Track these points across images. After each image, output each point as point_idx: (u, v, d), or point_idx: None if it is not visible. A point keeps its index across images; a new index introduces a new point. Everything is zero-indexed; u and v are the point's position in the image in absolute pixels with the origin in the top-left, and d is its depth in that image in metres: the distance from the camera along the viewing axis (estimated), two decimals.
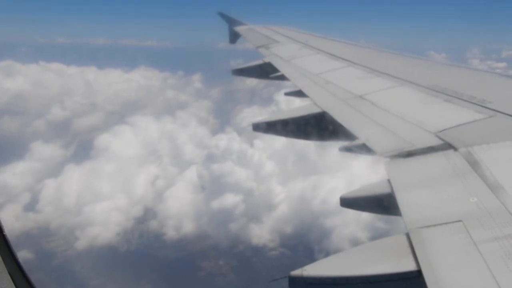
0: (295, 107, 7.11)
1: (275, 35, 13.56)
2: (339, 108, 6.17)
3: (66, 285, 48.67)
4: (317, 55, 10.00)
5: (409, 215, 3.27)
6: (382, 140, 4.78)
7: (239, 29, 16.20)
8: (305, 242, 57.55)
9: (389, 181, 3.86)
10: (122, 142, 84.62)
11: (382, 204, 3.84)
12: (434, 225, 3.03)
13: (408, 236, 3.00)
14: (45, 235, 59.57)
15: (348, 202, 4.25)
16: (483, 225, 2.89)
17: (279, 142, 71.47)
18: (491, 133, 4.30)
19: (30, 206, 64.94)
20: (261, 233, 60.40)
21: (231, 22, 17.10)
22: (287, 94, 8.13)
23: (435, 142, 4.36)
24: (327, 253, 50.11)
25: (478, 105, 5.12)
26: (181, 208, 65.95)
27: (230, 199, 66.56)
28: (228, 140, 79.32)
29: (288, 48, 11.59)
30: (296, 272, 2.97)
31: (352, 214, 52.11)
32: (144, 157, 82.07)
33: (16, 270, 2.83)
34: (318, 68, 8.62)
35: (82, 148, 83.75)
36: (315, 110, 6.34)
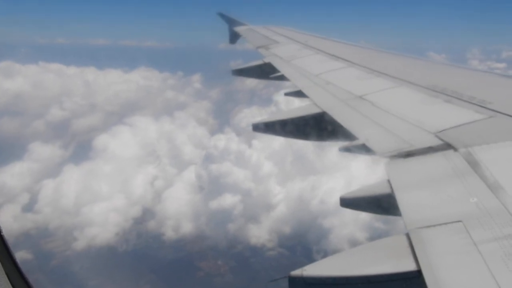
0: (295, 108, 7.10)
1: (275, 35, 13.56)
2: (339, 108, 6.17)
3: (65, 285, 48.62)
4: (317, 56, 9.99)
5: (409, 216, 3.26)
6: (382, 140, 4.78)
7: (239, 29, 16.19)
8: (303, 242, 57.62)
9: (389, 181, 3.86)
10: (121, 143, 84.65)
11: (382, 204, 3.84)
12: (434, 226, 3.03)
13: (408, 236, 2.99)
14: (44, 236, 59.55)
15: (348, 203, 4.24)
16: (483, 226, 2.89)
17: (277, 142, 71.65)
18: (491, 134, 4.29)
19: (29, 207, 64.98)
20: (260, 234, 60.46)
21: (231, 22, 17.09)
22: (287, 94, 8.12)
23: (435, 142, 4.36)
24: (325, 253, 50.20)
25: (478, 105, 5.11)
26: (179, 209, 66.00)
27: (228, 200, 66.64)
28: (226, 141, 79.45)
29: (288, 48, 11.59)
30: (296, 272, 2.96)
31: (350, 214, 52.20)
32: (143, 158, 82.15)
33: (14, 271, 2.82)
34: (318, 68, 8.62)
35: (81, 149, 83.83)
36: (315, 110, 6.33)
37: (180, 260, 55.23)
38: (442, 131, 4.58)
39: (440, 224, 3.03)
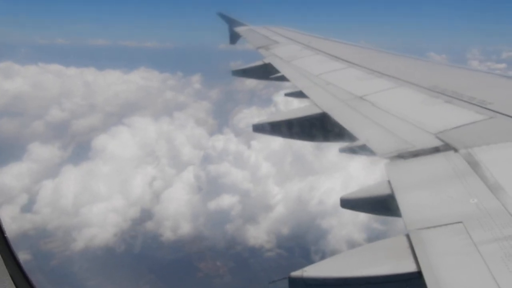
0: (295, 108, 7.10)
1: (275, 36, 13.56)
2: (339, 109, 6.17)
3: (64, 286, 48.56)
4: (317, 56, 10.00)
5: (409, 216, 3.27)
6: (383, 141, 4.78)
7: (239, 29, 16.20)
8: (302, 243, 57.59)
9: (389, 182, 3.86)
10: (120, 143, 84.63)
11: (382, 205, 3.84)
12: (434, 226, 3.03)
13: (408, 237, 2.99)
14: (43, 236, 59.46)
15: (348, 203, 4.24)
16: (483, 226, 2.89)
17: (276, 143, 71.67)
18: (491, 134, 4.30)
19: (28, 207, 64.84)
20: (258, 234, 60.42)
21: (231, 22, 17.09)
22: (287, 95, 8.12)
23: (436, 143, 4.36)
24: (323, 254, 50.24)
25: (478, 106, 5.12)
26: (178, 209, 65.94)
27: (227, 200, 66.57)
28: (225, 141, 79.44)
29: (288, 49, 11.59)
30: (297, 273, 2.96)
31: (348, 215, 52.26)
32: (142, 158, 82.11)
33: (17, 272, 2.82)
34: (319, 69, 8.62)
35: (80, 149, 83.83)
36: (316, 111, 6.33)
37: (179, 261, 55.18)
38: (442, 131, 4.58)
39: (440, 225, 3.03)
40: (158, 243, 59.83)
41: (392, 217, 3.67)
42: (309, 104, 6.74)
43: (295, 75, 8.66)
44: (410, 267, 2.73)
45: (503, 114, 4.77)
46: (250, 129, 6.94)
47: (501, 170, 3.59)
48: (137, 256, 56.06)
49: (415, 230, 3.03)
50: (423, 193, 3.57)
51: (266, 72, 10.04)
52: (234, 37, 16.34)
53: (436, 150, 4.23)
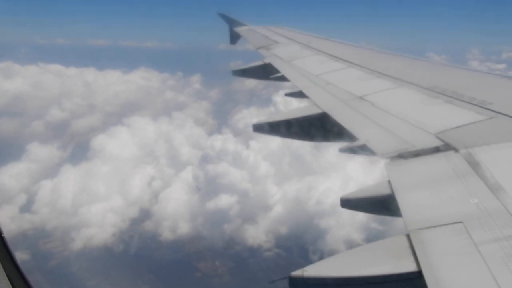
0: (295, 108, 7.10)
1: (275, 36, 13.55)
2: (339, 109, 6.17)
3: (63, 286, 48.59)
4: (317, 56, 10.00)
5: (410, 216, 3.27)
6: (383, 141, 4.78)
7: (239, 29, 16.18)
8: (300, 243, 57.63)
9: (389, 182, 3.86)
10: (119, 143, 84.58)
11: (382, 205, 3.84)
12: (435, 226, 3.03)
13: (408, 237, 2.99)
14: (42, 236, 59.42)
15: (348, 203, 4.25)
16: (484, 226, 2.89)
17: (275, 143, 71.70)
18: (491, 134, 4.30)
19: (26, 207, 64.77)
20: (257, 234, 60.45)
21: (231, 22, 17.07)
22: (287, 95, 8.12)
23: (436, 143, 4.36)
24: (322, 254, 50.28)
25: (479, 106, 5.12)
26: (177, 209, 65.92)
27: (225, 200, 66.57)
28: (224, 141, 79.40)
29: (289, 49, 11.59)
30: (297, 273, 2.96)
31: (347, 215, 52.30)
32: (141, 158, 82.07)
33: (15, 273, 2.80)
34: (319, 69, 8.62)
35: (79, 149, 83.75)
36: (316, 111, 6.33)
37: (178, 261, 55.18)
38: (442, 131, 4.58)
39: (440, 225, 3.03)
40: (157, 243, 59.83)
41: (392, 217, 3.67)
42: (309, 104, 6.74)
43: (295, 75, 8.66)
44: (411, 267, 2.73)
45: (503, 114, 4.77)
46: (249, 129, 6.94)
47: (501, 170, 3.59)
48: (135, 256, 56.05)
49: (415, 230, 3.03)
50: (423, 193, 3.57)
51: (266, 72, 10.04)
52: (234, 37, 16.32)
53: (436, 150, 4.23)
